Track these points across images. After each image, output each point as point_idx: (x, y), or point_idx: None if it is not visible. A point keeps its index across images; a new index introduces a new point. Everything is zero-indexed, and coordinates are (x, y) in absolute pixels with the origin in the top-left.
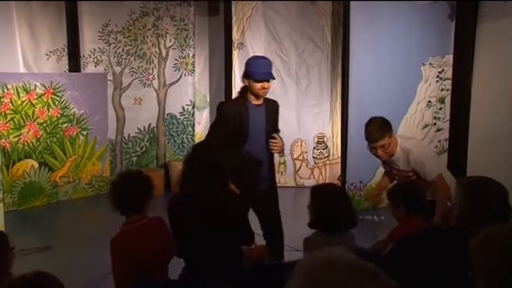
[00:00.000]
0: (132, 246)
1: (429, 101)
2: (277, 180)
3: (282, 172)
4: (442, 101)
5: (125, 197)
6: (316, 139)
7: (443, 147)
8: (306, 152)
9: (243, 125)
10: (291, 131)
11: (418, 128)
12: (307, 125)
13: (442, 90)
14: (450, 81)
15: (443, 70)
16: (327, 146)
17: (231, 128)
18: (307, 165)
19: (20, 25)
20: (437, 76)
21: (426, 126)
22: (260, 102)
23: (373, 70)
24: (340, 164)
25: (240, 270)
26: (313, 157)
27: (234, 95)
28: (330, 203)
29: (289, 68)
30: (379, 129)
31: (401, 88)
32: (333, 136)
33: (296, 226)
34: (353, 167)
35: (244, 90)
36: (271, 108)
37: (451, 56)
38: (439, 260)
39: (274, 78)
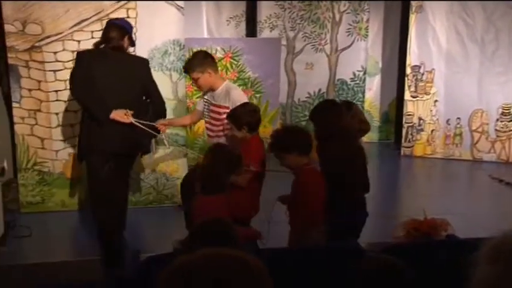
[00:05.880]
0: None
1: None
2: (451, 152)
3: (457, 144)
4: None
5: None
6: (500, 110)
7: None
8: (487, 124)
9: None
10: (470, 100)
11: None
12: (491, 95)
13: None
14: None
15: None
16: None
17: None
18: (487, 138)
19: None
20: None
21: None
22: None
23: None
24: None
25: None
26: (496, 130)
27: (409, 61)
28: None
29: (474, 32)
30: (193, 62)
31: None
32: None
33: (475, 204)
34: None
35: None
36: None
37: None
38: None
39: None
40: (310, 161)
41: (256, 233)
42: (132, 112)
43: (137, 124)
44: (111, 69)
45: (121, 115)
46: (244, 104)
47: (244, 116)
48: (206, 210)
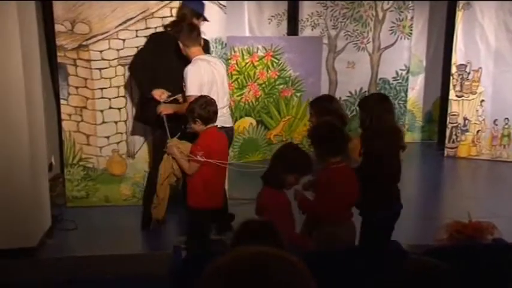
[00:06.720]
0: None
1: None
2: (498, 154)
3: (505, 145)
4: None
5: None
6: None
7: None
8: None
9: None
10: None
11: None
12: None
13: None
14: None
15: None
16: None
17: None
18: None
19: None
20: None
21: None
22: None
23: None
24: None
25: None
26: None
27: (454, 60)
28: None
29: None
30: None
31: None
32: None
33: None
34: None
35: None
36: None
37: None
38: None
39: None
40: (341, 161)
41: (306, 241)
42: (169, 93)
43: (165, 103)
44: (167, 52)
45: (158, 94)
46: (199, 97)
47: (196, 109)
48: (265, 201)
